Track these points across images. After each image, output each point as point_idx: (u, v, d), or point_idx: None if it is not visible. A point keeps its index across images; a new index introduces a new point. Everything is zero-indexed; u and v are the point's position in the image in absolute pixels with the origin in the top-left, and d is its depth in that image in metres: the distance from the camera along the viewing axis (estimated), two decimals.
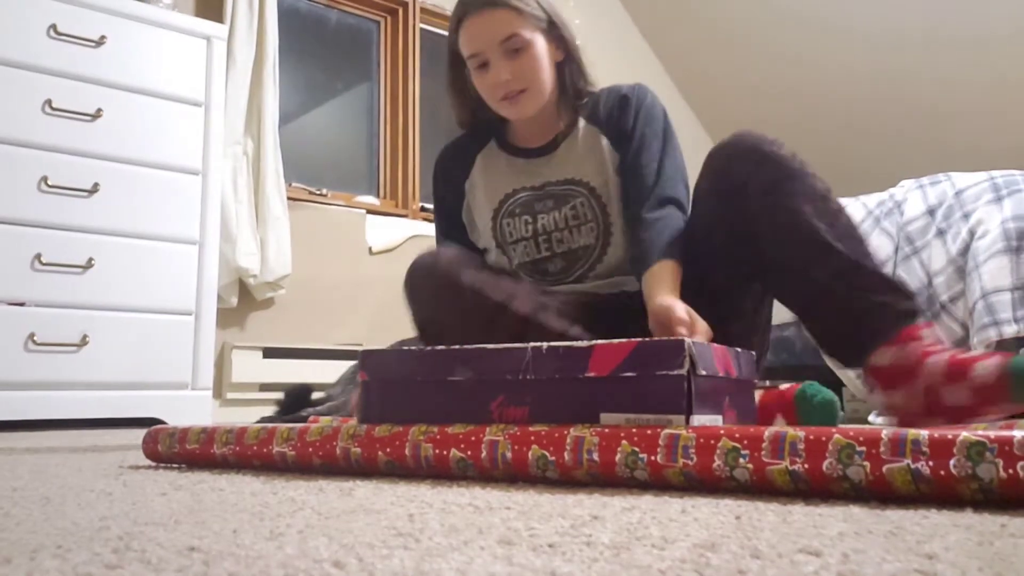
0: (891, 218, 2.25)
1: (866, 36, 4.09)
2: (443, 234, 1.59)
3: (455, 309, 1.30)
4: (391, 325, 3.24)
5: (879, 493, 0.67)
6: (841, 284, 1.20)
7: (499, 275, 1.39)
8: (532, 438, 0.84)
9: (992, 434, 0.64)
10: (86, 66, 2.38)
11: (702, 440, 0.75)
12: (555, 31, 1.43)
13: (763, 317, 1.42)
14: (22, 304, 2.23)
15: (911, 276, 2.13)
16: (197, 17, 2.81)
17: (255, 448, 1.02)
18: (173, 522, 0.63)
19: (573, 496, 0.75)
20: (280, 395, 2.39)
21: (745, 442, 0.73)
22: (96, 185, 2.36)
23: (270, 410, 2.55)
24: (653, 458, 0.77)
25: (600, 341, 0.89)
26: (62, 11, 2.35)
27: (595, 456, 0.80)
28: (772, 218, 1.23)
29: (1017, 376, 1.06)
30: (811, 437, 0.70)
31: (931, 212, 2.17)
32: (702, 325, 1.13)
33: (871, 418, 2.07)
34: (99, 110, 2.38)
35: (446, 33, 1.49)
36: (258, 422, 2.02)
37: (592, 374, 0.88)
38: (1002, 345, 1.95)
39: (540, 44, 1.40)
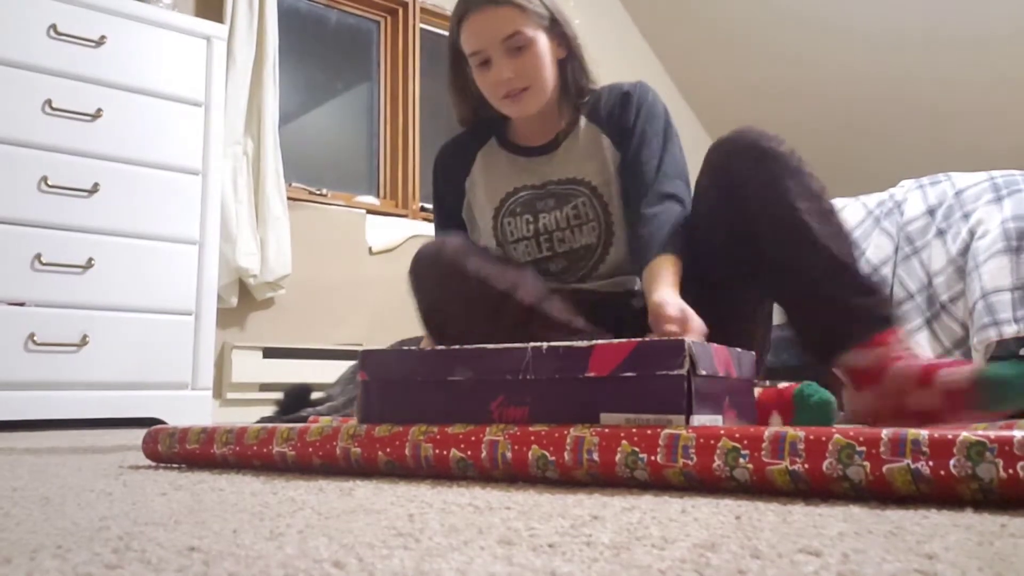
0: (891, 218, 2.25)
1: (866, 36, 4.09)
2: (443, 232, 1.59)
3: (460, 297, 1.30)
4: (391, 325, 3.24)
5: (879, 493, 0.67)
6: (824, 283, 1.22)
7: (504, 264, 1.38)
8: (532, 438, 0.84)
9: (992, 434, 0.64)
10: (86, 66, 2.38)
11: (702, 440, 0.75)
12: (557, 28, 1.42)
13: (764, 316, 1.42)
14: (22, 304, 2.23)
15: (911, 276, 2.13)
16: (197, 17, 2.81)
17: (255, 448, 1.02)
18: (173, 522, 0.63)
19: (573, 496, 0.75)
20: (280, 395, 2.39)
21: (745, 442, 0.73)
22: (96, 185, 2.36)
23: (270, 410, 2.55)
24: (653, 458, 0.77)
25: (600, 341, 0.89)
26: (62, 11, 2.35)
27: (595, 456, 0.80)
28: (768, 214, 1.24)
29: (988, 384, 1.07)
30: (811, 437, 0.71)
31: (931, 212, 2.17)
32: (695, 323, 1.12)
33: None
34: (99, 110, 2.38)
35: (446, 33, 1.48)
36: (258, 422, 2.02)
37: (592, 374, 0.88)
38: (1002, 345, 1.95)
39: (542, 42, 1.40)
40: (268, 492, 0.81)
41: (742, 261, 1.29)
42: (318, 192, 3.43)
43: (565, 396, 0.89)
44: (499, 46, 1.37)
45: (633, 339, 0.88)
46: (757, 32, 4.38)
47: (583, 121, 1.49)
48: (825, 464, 0.69)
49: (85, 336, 2.30)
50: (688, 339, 0.85)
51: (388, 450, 0.92)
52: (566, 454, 0.81)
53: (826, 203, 1.27)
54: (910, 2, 3.89)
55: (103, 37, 2.41)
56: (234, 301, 2.99)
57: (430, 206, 1.66)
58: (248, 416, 2.83)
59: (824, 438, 0.70)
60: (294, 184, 3.37)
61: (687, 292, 1.22)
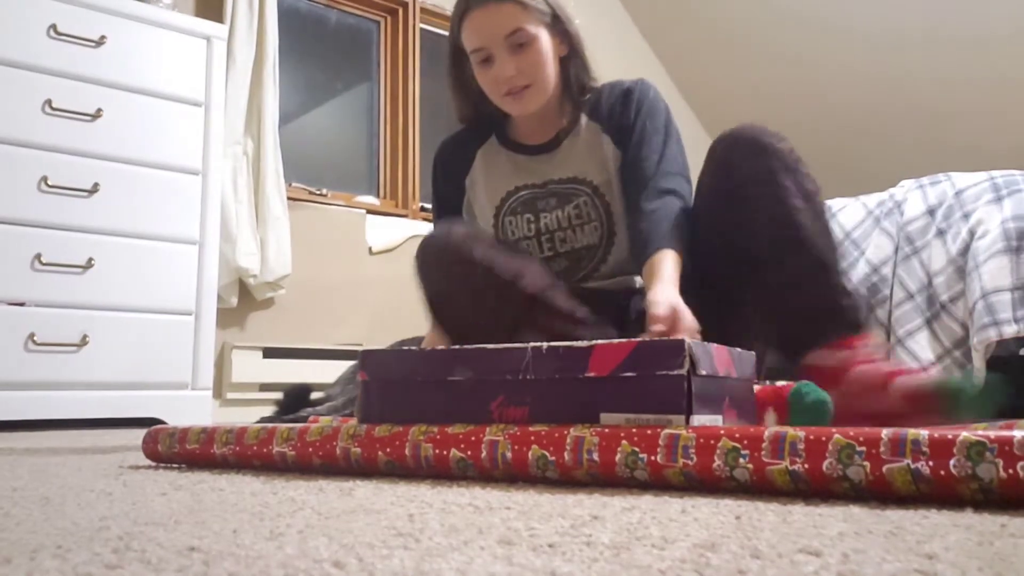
0: (891, 218, 2.24)
1: (866, 36, 4.09)
2: None
3: (465, 284, 1.29)
4: (391, 325, 3.24)
5: (879, 493, 0.67)
6: (804, 282, 1.24)
7: (511, 252, 1.38)
8: (532, 438, 0.84)
9: (992, 434, 0.64)
10: (86, 66, 2.38)
11: (702, 440, 0.75)
12: (559, 25, 1.41)
13: None
14: (22, 304, 2.23)
15: (911, 276, 2.13)
16: (197, 17, 2.81)
17: (255, 448, 1.02)
18: (173, 522, 0.63)
19: (573, 496, 0.75)
20: (280, 395, 2.39)
21: (745, 442, 0.73)
22: (96, 185, 2.36)
23: (270, 410, 2.55)
24: (653, 458, 0.77)
25: (600, 341, 0.89)
26: (62, 11, 2.35)
27: (595, 456, 0.80)
28: (761, 208, 1.26)
29: (943, 392, 1.09)
30: (811, 437, 0.70)
31: (931, 212, 2.17)
32: (685, 322, 1.11)
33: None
34: (99, 110, 2.38)
35: (446, 33, 1.48)
36: (258, 422, 2.02)
37: (592, 374, 0.88)
38: (1002, 345, 1.95)
39: (545, 39, 1.39)
40: (268, 492, 0.81)
41: (742, 261, 1.29)
42: (318, 192, 3.43)
43: (565, 396, 0.89)
44: (501, 43, 1.36)
45: (633, 339, 0.88)
46: (757, 32, 4.38)
47: (584, 119, 1.48)
48: (825, 464, 0.69)
49: (85, 336, 2.30)
50: (688, 339, 0.85)
51: (388, 450, 0.92)
52: (566, 454, 0.81)
53: (818, 204, 1.29)
54: (910, 2, 3.89)
55: (103, 37, 2.41)
56: (234, 301, 2.99)
57: (430, 206, 1.65)
58: (248, 416, 2.83)
59: (824, 438, 0.70)
60: (294, 184, 3.37)
61: (688, 291, 1.22)
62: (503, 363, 0.93)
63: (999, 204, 2.03)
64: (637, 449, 0.78)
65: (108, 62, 2.42)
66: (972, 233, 2.04)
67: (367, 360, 1.03)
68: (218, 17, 3.02)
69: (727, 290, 1.32)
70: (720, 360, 0.91)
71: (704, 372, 0.86)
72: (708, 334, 1.11)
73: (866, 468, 0.67)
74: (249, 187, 3.03)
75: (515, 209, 1.49)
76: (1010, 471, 0.62)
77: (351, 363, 2.49)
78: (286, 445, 0.99)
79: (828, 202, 2.42)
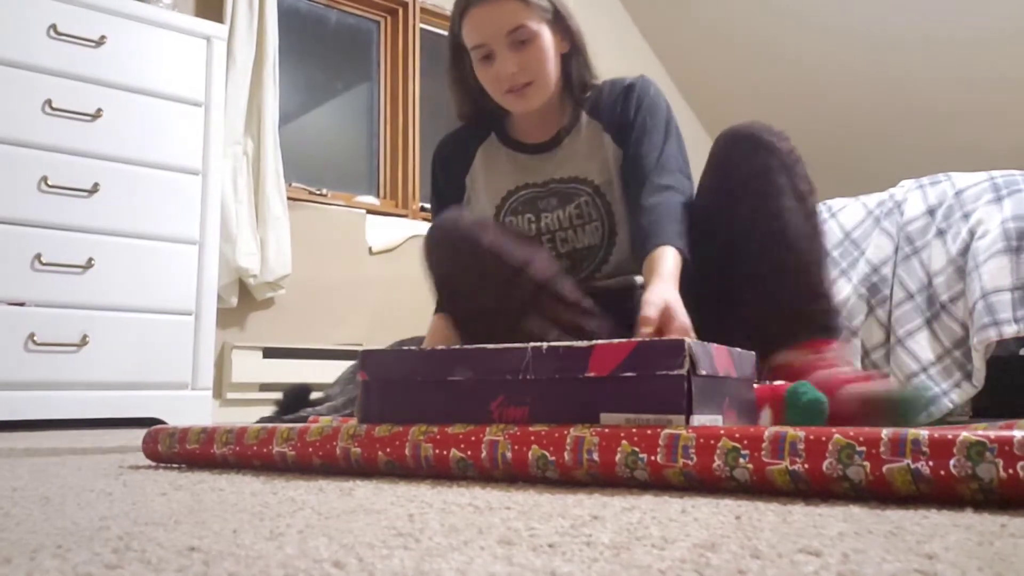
0: (891, 218, 2.24)
1: (866, 36, 4.09)
2: None
3: (473, 269, 1.29)
4: (391, 325, 3.24)
5: (879, 493, 0.67)
6: (785, 281, 1.26)
7: (520, 240, 1.37)
8: (532, 438, 0.84)
9: (992, 434, 0.64)
10: (86, 66, 2.38)
11: (702, 440, 0.75)
12: (561, 22, 1.40)
13: None
14: (22, 304, 2.23)
15: (911, 276, 2.13)
16: (197, 17, 2.81)
17: (255, 448, 1.02)
18: (173, 522, 0.63)
19: (573, 496, 0.75)
20: (280, 395, 2.39)
21: (745, 442, 0.73)
22: (96, 185, 2.36)
23: (270, 410, 2.55)
24: (653, 458, 0.77)
25: (600, 341, 0.89)
26: (62, 11, 2.35)
27: (595, 456, 0.80)
28: (753, 203, 1.27)
29: (883, 402, 1.10)
30: (811, 437, 0.70)
31: (931, 212, 2.17)
32: (677, 323, 1.10)
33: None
34: (99, 110, 2.38)
35: (446, 33, 1.47)
36: (258, 422, 2.02)
37: (592, 374, 0.87)
38: (1002, 345, 1.95)
39: (546, 35, 1.38)
40: (268, 492, 0.81)
41: (741, 261, 1.30)
42: (318, 192, 3.43)
43: (565, 396, 0.89)
44: (503, 40, 1.35)
45: (633, 339, 0.88)
46: (757, 32, 4.38)
47: (584, 117, 1.48)
48: (825, 464, 0.69)
49: (85, 336, 2.30)
50: (688, 339, 0.85)
51: (388, 450, 0.92)
52: (566, 454, 0.81)
53: (811, 205, 1.30)
54: (910, 2, 3.89)
55: (103, 37, 2.41)
56: (234, 301, 2.99)
57: (429, 205, 1.64)
58: (248, 416, 2.83)
59: (824, 438, 0.70)
60: (294, 184, 3.37)
61: (688, 287, 1.22)
62: (503, 363, 0.93)
63: (999, 204, 2.03)
64: (637, 449, 0.78)
65: (108, 62, 2.42)
66: (972, 233, 2.04)
67: (367, 360, 1.03)
68: (218, 17, 3.02)
69: (725, 288, 1.32)
70: (720, 360, 0.91)
71: (704, 372, 0.86)
72: (707, 333, 1.10)
73: (866, 468, 0.67)
74: (249, 187, 3.03)
75: (516, 209, 1.48)
76: (1010, 471, 0.62)
77: (351, 363, 2.49)
78: (286, 445, 0.99)
79: (828, 202, 2.42)
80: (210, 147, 2.59)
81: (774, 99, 4.55)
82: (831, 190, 3.01)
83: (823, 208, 2.40)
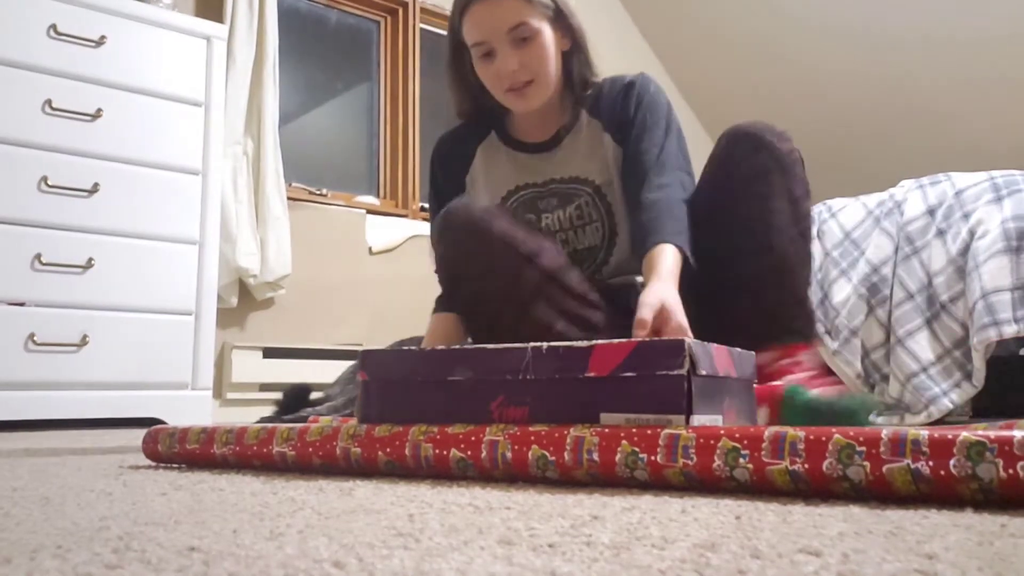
0: (891, 218, 2.24)
1: (866, 36, 4.09)
2: None
3: (482, 256, 1.29)
4: (391, 325, 3.24)
5: (879, 493, 0.67)
6: (766, 282, 1.28)
7: (530, 230, 1.37)
8: (532, 438, 0.84)
9: (992, 434, 0.64)
10: (86, 66, 2.38)
11: (702, 440, 0.75)
12: (562, 19, 1.39)
13: None
14: (22, 304, 2.23)
15: (911, 276, 2.13)
16: (197, 17, 2.81)
17: (255, 448, 1.02)
18: (173, 522, 0.63)
19: (573, 496, 0.75)
20: (280, 395, 2.39)
21: (745, 442, 0.73)
22: (96, 185, 2.36)
23: (270, 410, 2.55)
24: (653, 458, 0.77)
25: (600, 341, 0.89)
26: (62, 11, 2.35)
27: (595, 456, 0.80)
28: (745, 201, 1.29)
29: (844, 408, 1.13)
30: (811, 437, 0.70)
31: (931, 212, 2.17)
32: (673, 324, 1.09)
33: (871, 418, 2.06)
34: (99, 110, 2.38)
35: (446, 33, 1.47)
36: (258, 422, 2.02)
37: (592, 374, 0.87)
38: (1002, 345, 1.95)
39: (548, 33, 1.37)
40: (268, 492, 0.81)
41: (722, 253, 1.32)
42: (318, 192, 3.43)
43: (565, 396, 0.89)
44: (504, 37, 1.34)
45: (632, 339, 0.88)
46: (757, 32, 4.38)
47: (584, 116, 1.47)
48: (825, 464, 0.69)
49: (85, 336, 2.30)
50: (688, 339, 0.85)
51: (388, 450, 0.92)
52: (566, 454, 0.81)
53: (803, 209, 1.31)
54: (910, 2, 3.89)
55: (103, 37, 2.41)
56: (234, 301, 2.99)
57: (428, 204, 1.64)
58: (248, 416, 2.83)
59: (824, 438, 0.70)
60: (294, 184, 3.37)
61: (688, 286, 1.22)
62: (503, 363, 0.93)
63: (999, 204, 2.03)
64: (637, 449, 0.78)
65: (108, 62, 2.42)
66: (972, 233, 2.04)
67: (367, 360, 1.03)
68: (218, 17, 3.02)
69: (718, 286, 1.33)
70: (720, 360, 0.91)
71: (704, 372, 0.86)
72: (706, 332, 1.10)
73: (866, 468, 0.67)
74: (249, 187, 3.03)
75: (516, 209, 1.48)
76: (1010, 471, 0.62)
77: (351, 363, 2.49)
78: (286, 445, 0.99)
79: (828, 202, 2.42)
80: (210, 147, 2.59)
81: (774, 99, 4.55)
82: (831, 190, 3.02)
83: (823, 208, 2.40)
